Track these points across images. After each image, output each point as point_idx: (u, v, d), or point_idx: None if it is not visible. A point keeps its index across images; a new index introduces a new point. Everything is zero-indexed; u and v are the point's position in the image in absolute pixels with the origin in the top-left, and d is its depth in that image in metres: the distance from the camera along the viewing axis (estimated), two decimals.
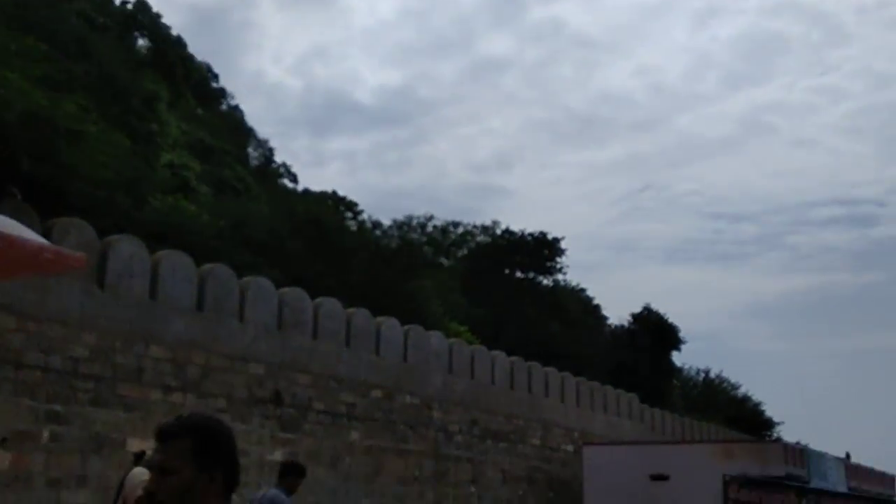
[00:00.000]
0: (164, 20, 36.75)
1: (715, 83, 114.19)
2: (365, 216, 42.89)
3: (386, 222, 46.12)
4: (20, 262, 5.82)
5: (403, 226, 47.55)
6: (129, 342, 15.63)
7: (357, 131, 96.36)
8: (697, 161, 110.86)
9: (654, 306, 45.85)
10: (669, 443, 30.75)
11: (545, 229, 43.86)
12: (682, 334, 45.85)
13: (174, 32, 37.01)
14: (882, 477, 36.31)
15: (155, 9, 35.88)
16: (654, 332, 43.86)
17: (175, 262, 16.76)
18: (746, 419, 55.74)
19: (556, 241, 42.71)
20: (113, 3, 34.87)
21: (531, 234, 43.08)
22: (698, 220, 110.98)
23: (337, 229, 28.29)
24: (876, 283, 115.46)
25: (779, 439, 26.01)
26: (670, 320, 44.87)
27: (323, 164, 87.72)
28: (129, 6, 35.07)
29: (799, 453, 26.00)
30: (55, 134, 14.88)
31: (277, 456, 18.12)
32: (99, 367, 15.08)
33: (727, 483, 24.54)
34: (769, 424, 59.12)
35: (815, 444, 31.39)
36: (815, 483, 26.00)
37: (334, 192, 43.12)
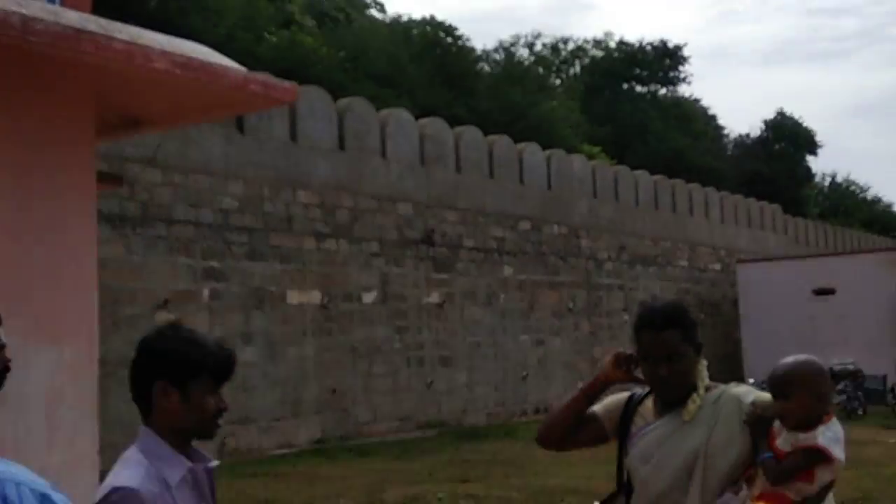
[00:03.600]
0: None
1: None
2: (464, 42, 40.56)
3: (479, 47, 43.60)
4: (222, 98, 4.52)
5: (511, 46, 44.99)
6: (276, 189, 14.61)
7: None
8: None
9: (771, 111, 42.97)
10: (832, 254, 28.99)
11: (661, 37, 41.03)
12: (818, 138, 43.11)
13: None
14: None
15: None
16: (789, 138, 41.28)
17: (312, 100, 15.45)
18: (881, 221, 53.22)
19: (678, 48, 39.89)
20: None
21: (650, 44, 40.29)
22: (794, 17, 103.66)
23: (457, 54, 26.46)
24: None
25: None
26: (805, 124, 42.13)
27: None
28: None
29: None
30: None
31: (434, 298, 17.28)
32: (250, 217, 14.15)
33: None
34: None
35: None
36: None
37: (432, 18, 40.71)
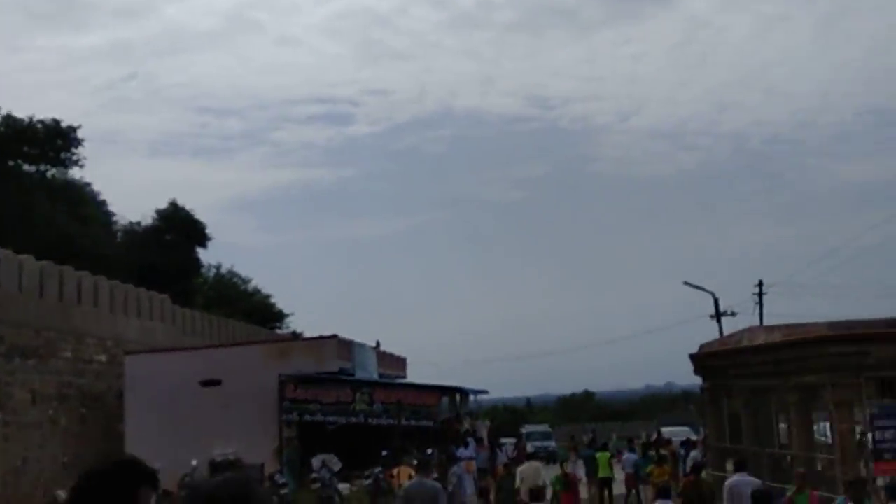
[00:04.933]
0: None
1: None
2: None
3: None
4: None
5: None
6: None
7: None
8: (186, 53, 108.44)
9: (159, 200, 43.72)
10: (220, 346, 29.69)
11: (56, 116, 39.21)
12: (209, 231, 44.56)
13: None
14: (398, 360, 39.14)
15: None
16: (181, 230, 41.99)
17: None
18: (260, 312, 56.54)
19: (73, 129, 38.44)
20: None
21: (41, 122, 38.23)
22: (185, 113, 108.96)
23: None
24: (351, 178, 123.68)
25: (335, 335, 26.33)
26: (197, 216, 43.29)
27: None
28: None
29: (347, 347, 26.60)
30: None
31: None
32: None
33: (283, 383, 24.34)
34: (281, 316, 60.63)
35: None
36: (359, 374, 26.88)
37: None
